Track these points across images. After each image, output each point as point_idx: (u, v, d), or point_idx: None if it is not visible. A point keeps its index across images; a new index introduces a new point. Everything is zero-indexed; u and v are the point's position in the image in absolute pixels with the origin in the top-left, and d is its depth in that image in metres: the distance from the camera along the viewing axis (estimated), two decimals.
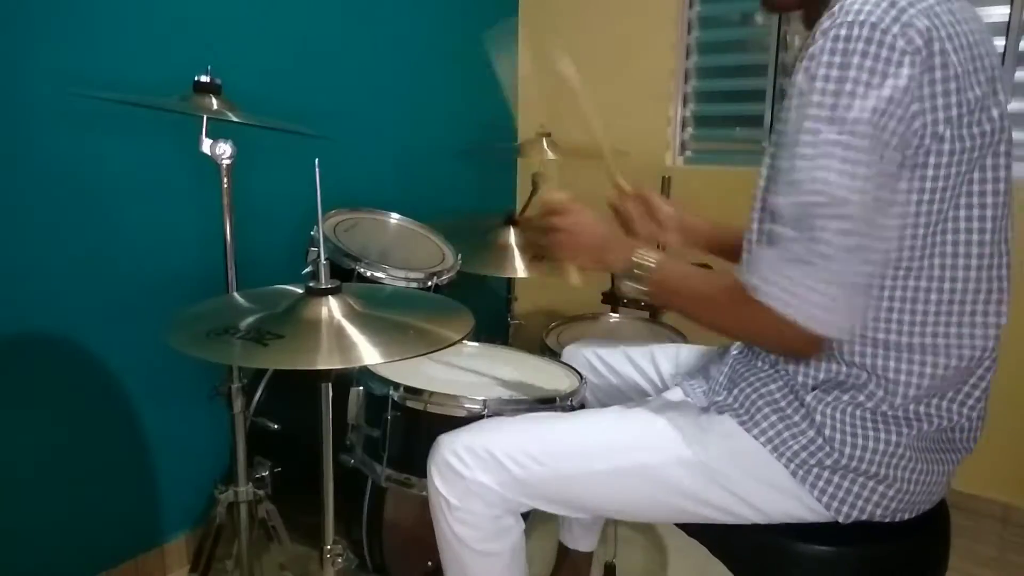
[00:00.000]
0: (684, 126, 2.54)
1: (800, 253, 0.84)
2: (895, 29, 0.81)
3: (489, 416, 1.23)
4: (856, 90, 0.81)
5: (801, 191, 0.84)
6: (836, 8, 0.85)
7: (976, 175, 0.88)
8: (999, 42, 1.97)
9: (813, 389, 0.97)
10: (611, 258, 1.08)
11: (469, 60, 2.47)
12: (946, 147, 0.84)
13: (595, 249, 1.10)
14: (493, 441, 1.07)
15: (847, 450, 0.95)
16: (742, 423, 1.01)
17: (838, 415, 0.95)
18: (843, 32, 0.82)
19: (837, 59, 0.82)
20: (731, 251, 1.29)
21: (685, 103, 2.52)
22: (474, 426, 1.13)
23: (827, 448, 0.96)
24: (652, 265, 1.02)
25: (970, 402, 0.96)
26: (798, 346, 0.90)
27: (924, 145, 0.84)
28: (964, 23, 0.86)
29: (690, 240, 1.35)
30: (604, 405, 1.35)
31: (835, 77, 0.82)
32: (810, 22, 1.01)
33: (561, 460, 1.06)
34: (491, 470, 1.06)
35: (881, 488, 0.96)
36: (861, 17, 0.82)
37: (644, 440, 1.05)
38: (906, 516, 1.00)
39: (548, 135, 2.19)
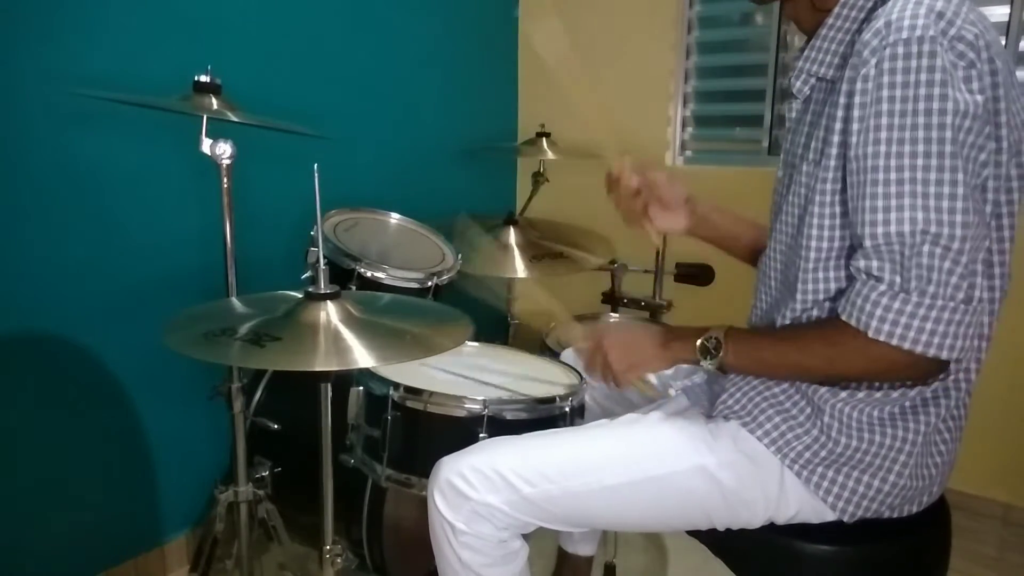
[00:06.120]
0: (684, 126, 2.54)
1: (902, 285, 0.83)
2: (944, 43, 0.80)
3: (489, 416, 1.23)
4: (930, 107, 0.80)
5: (888, 221, 0.83)
6: (881, 24, 0.83)
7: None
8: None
9: (823, 387, 0.97)
10: (676, 348, 1.02)
11: (469, 60, 2.47)
12: (1004, 144, 0.85)
13: (655, 348, 1.04)
14: (500, 460, 1.03)
15: (853, 443, 0.95)
16: (744, 425, 1.01)
17: (847, 410, 0.95)
18: (900, 50, 0.81)
19: (899, 78, 0.81)
20: (745, 251, 1.26)
21: (685, 103, 2.52)
22: (477, 447, 1.09)
23: (830, 446, 0.96)
24: (721, 332, 0.97)
25: (972, 376, 0.96)
26: (918, 374, 0.90)
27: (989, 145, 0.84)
28: (988, 27, 0.86)
29: (702, 231, 1.28)
30: (603, 409, 1.35)
31: (900, 97, 0.81)
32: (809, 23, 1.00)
33: (573, 476, 1.02)
34: (500, 490, 1.01)
35: (887, 487, 0.96)
36: (918, 33, 0.80)
37: (656, 451, 1.03)
38: (907, 510, 1.00)
39: (548, 135, 2.19)
